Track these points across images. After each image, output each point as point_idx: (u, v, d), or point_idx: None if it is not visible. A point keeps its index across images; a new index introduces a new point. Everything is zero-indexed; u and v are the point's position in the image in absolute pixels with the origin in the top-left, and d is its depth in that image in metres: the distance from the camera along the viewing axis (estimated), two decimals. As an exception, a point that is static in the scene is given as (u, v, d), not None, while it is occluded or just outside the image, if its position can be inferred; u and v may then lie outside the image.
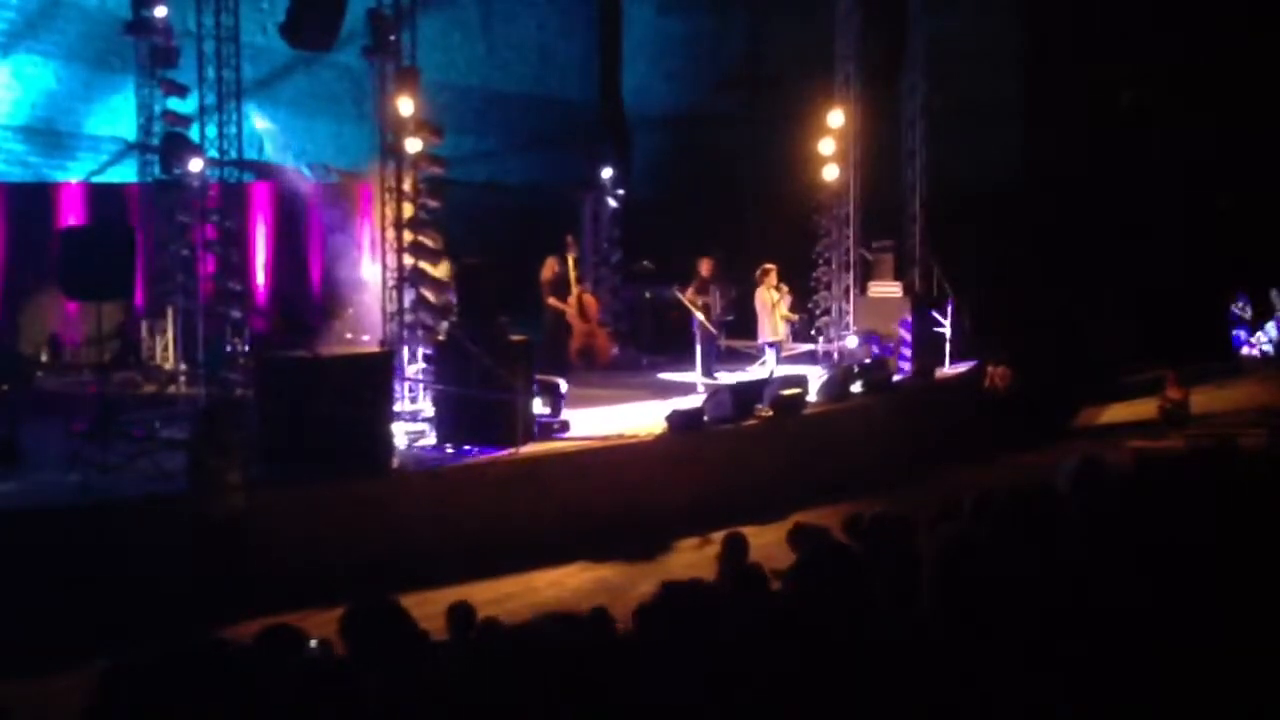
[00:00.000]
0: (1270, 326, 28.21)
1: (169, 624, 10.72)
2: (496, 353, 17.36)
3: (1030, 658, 6.34)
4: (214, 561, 13.39)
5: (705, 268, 23.39)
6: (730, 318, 24.13)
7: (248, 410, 16.51)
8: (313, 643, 6.67)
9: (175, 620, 11.11)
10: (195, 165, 20.31)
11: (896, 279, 25.33)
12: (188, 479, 14.19)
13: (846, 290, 24.84)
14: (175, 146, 20.75)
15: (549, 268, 24.17)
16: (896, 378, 23.12)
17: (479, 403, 17.13)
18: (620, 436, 18.46)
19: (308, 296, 25.72)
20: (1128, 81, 29.85)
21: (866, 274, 25.37)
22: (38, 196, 23.41)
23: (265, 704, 5.06)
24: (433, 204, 19.08)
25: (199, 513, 13.55)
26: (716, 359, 23.36)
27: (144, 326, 22.42)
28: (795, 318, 23.72)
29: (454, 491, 16.33)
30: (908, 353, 23.97)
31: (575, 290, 24.25)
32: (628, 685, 5.63)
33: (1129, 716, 6.00)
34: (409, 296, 18.80)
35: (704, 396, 19.94)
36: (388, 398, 16.81)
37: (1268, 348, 28.09)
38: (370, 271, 21.06)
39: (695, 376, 22.78)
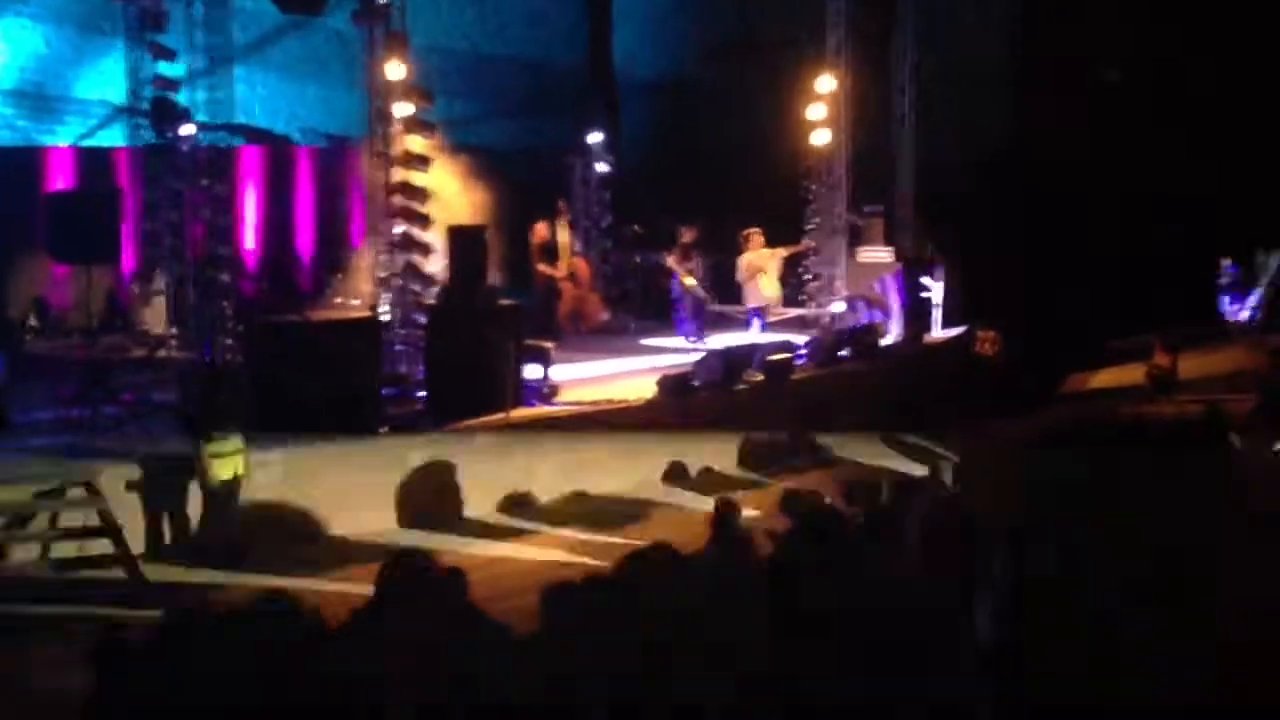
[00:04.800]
0: (1257, 292, 28.20)
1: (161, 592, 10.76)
2: (486, 317, 17.41)
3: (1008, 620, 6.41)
4: (208, 525, 13.44)
5: (688, 235, 23.43)
6: (708, 283, 24.15)
7: (239, 374, 16.54)
8: (305, 609, 6.69)
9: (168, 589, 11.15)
10: (185, 129, 20.25)
11: (887, 244, 25.35)
12: (183, 442, 14.23)
13: (836, 256, 24.84)
14: (164, 111, 20.66)
15: (539, 232, 24.17)
16: (884, 342, 23.17)
17: (469, 367, 17.16)
18: (610, 401, 18.50)
19: (297, 261, 25.71)
20: (1113, 49, 29.80)
21: (856, 239, 25.38)
22: (26, 160, 23.36)
23: (260, 671, 5.10)
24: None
25: (196, 477, 13.58)
26: (706, 324, 23.45)
27: (133, 291, 22.38)
28: (776, 296, 23.60)
29: (444, 456, 16.34)
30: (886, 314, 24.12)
31: (566, 255, 24.26)
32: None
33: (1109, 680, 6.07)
34: (399, 261, 18.80)
35: (693, 361, 19.98)
36: (377, 362, 16.84)
37: (1248, 314, 28.08)
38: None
39: (683, 342, 22.91)
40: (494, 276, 19.28)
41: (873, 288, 24.79)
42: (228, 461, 13.56)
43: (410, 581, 6.13)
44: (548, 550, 14.82)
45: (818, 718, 5.94)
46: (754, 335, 22.42)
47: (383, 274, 18.85)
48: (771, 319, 23.50)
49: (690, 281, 23.04)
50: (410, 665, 5.56)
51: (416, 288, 18.86)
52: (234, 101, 19.19)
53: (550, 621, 6.07)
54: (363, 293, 20.15)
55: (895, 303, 24.53)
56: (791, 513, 9.61)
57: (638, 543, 8.26)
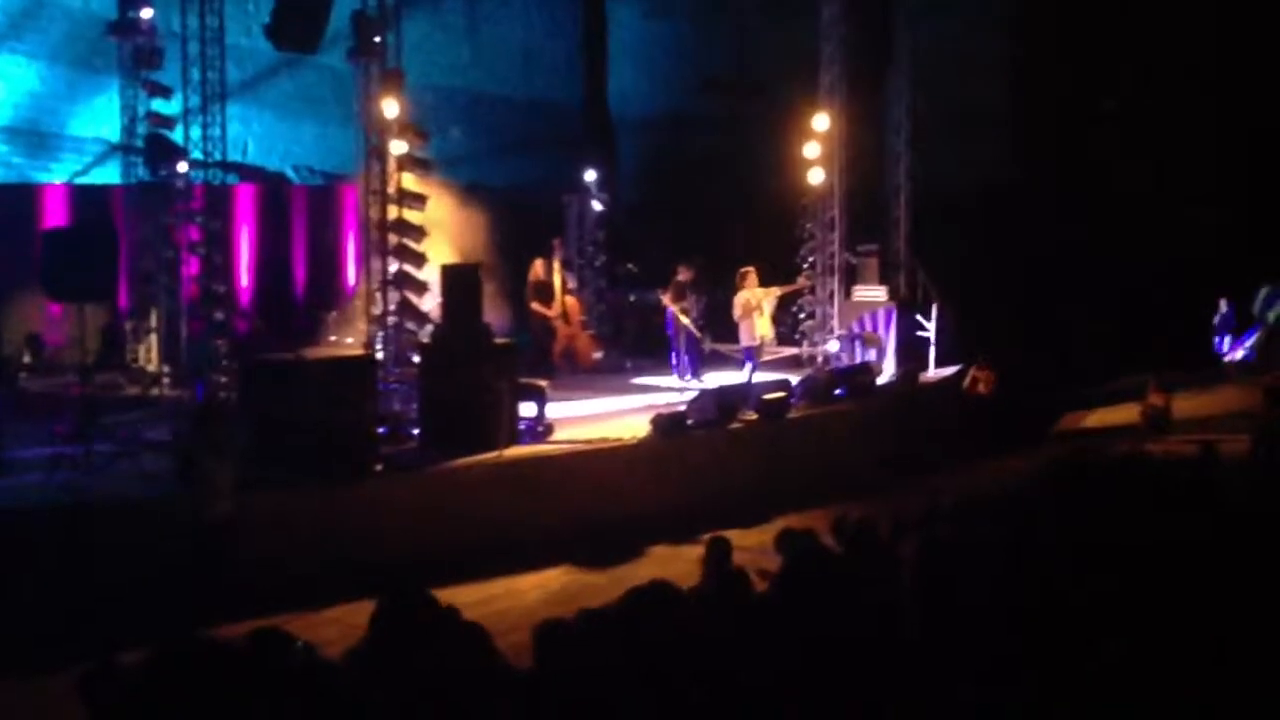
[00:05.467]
0: (1253, 332, 28.21)
1: (153, 626, 10.69)
2: (480, 356, 17.38)
3: (1003, 655, 6.38)
4: (203, 563, 13.39)
5: (684, 274, 23.45)
6: (703, 322, 24.17)
7: (233, 412, 16.51)
8: (298, 645, 6.66)
9: (159, 623, 11.07)
10: (180, 167, 20.27)
11: (881, 283, 25.34)
12: (181, 480, 14.19)
13: (831, 294, 24.84)
14: (159, 148, 20.70)
15: (535, 270, 24.21)
16: (880, 381, 23.15)
17: (464, 405, 17.13)
18: (604, 440, 18.46)
19: (291, 298, 25.70)
20: (1109, 89, 29.90)
21: (851, 278, 25.38)
22: (21, 197, 23.38)
23: (253, 706, 5.07)
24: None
25: (192, 514, 13.53)
26: (701, 363, 23.45)
27: (127, 328, 22.38)
28: (770, 335, 23.55)
29: (438, 494, 16.32)
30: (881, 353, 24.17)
31: (559, 294, 24.28)
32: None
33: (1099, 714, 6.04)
34: (393, 299, 18.79)
35: (688, 400, 19.95)
36: (371, 400, 16.80)
37: (1243, 354, 28.08)
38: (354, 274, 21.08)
39: (677, 380, 22.90)
40: (495, 315, 19.28)
41: (864, 323, 24.79)
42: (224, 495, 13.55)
43: (407, 618, 6.10)
44: (542, 587, 14.85)
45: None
46: (748, 374, 22.39)
47: (377, 311, 18.83)
48: (765, 357, 23.47)
49: (685, 320, 23.05)
50: (406, 701, 5.53)
51: (411, 325, 18.84)
52: (229, 139, 19.16)
53: (543, 658, 6.04)
54: (358, 330, 20.14)
55: (889, 341, 24.53)
56: (786, 551, 9.57)
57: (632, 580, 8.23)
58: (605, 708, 5.58)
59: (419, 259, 18.84)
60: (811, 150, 24.31)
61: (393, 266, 18.78)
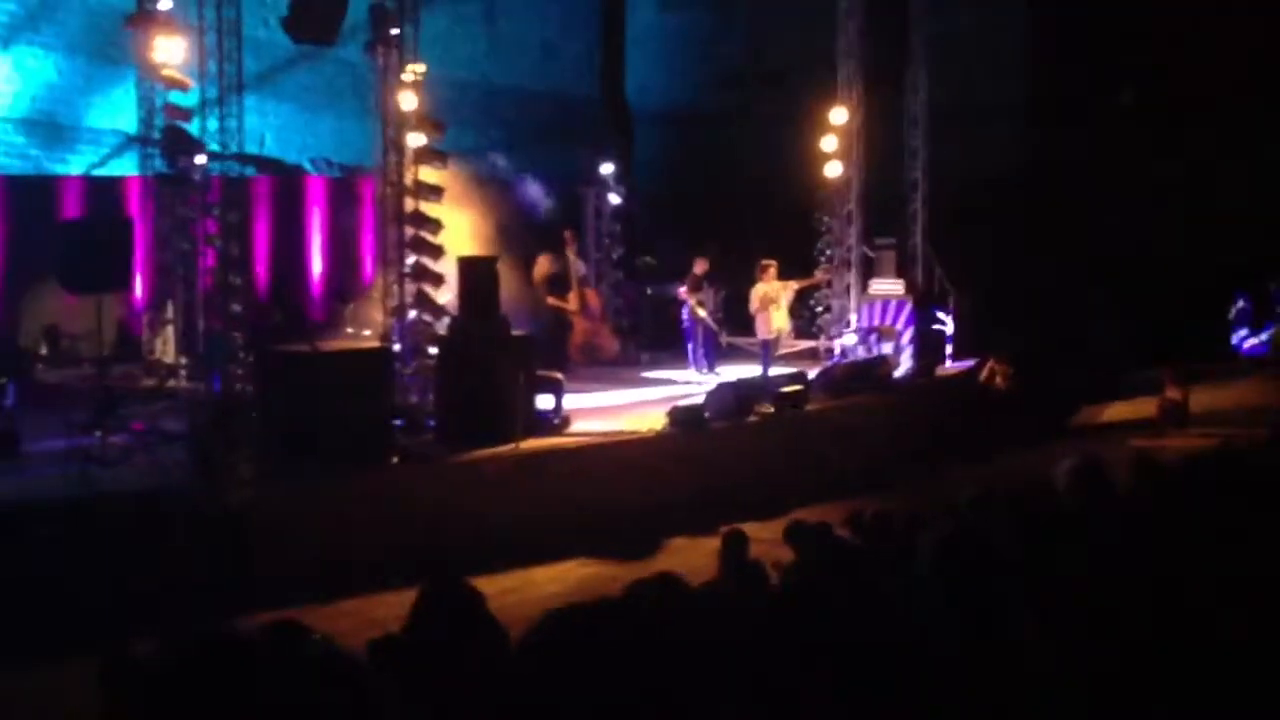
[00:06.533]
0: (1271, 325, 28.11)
1: (169, 618, 10.70)
2: (498, 348, 17.39)
3: (1023, 653, 6.34)
4: (218, 555, 13.41)
5: (700, 266, 23.47)
6: (720, 315, 24.17)
7: (249, 405, 16.52)
8: (315, 637, 6.64)
9: (176, 615, 11.10)
10: (197, 159, 20.25)
11: (898, 276, 25.32)
12: (196, 472, 14.20)
13: (848, 288, 24.82)
14: (176, 140, 20.66)
15: (542, 265, 24.18)
16: (896, 374, 23.13)
17: (480, 397, 17.12)
18: (621, 432, 18.47)
19: (308, 291, 25.71)
20: (1129, 79, 29.80)
21: (868, 271, 25.35)
22: (38, 189, 23.37)
23: (270, 699, 5.06)
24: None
25: (208, 507, 13.56)
26: (718, 356, 23.45)
27: (144, 320, 22.39)
28: (787, 328, 23.58)
29: (454, 487, 16.32)
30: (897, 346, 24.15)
31: (576, 286, 24.26)
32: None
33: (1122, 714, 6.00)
34: (410, 291, 18.78)
35: (705, 393, 19.94)
36: (387, 393, 16.81)
37: (1261, 347, 27.98)
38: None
39: (694, 373, 22.90)
40: (511, 308, 19.27)
41: (873, 312, 24.76)
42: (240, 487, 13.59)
43: (451, 609, 6.08)
44: (558, 579, 14.85)
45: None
46: (764, 367, 22.40)
47: (394, 303, 18.83)
48: (782, 351, 23.48)
49: (702, 313, 23.05)
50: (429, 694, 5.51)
51: (428, 318, 18.84)
52: (246, 131, 19.12)
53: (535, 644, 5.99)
54: (375, 322, 20.14)
55: (906, 334, 24.51)
56: (796, 543, 9.55)
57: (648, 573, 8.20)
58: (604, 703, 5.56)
59: (436, 251, 18.83)
60: (829, 144, 24.30)
61: (410, 259, 18.76)
